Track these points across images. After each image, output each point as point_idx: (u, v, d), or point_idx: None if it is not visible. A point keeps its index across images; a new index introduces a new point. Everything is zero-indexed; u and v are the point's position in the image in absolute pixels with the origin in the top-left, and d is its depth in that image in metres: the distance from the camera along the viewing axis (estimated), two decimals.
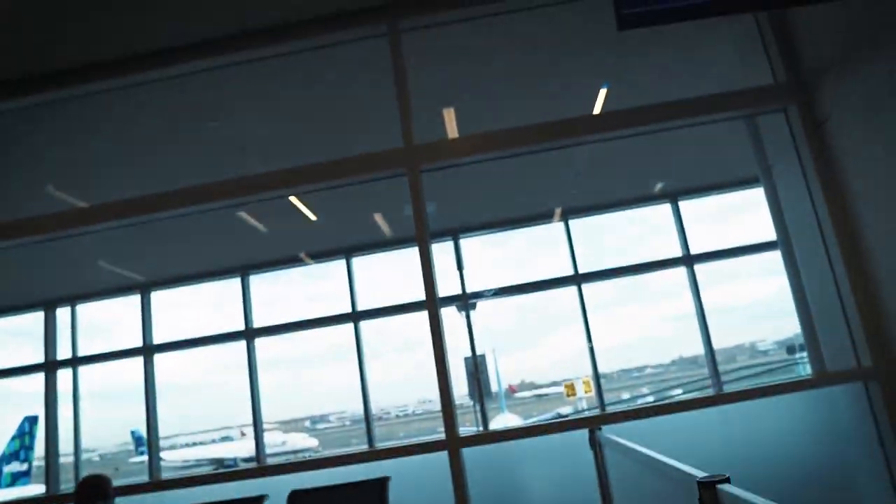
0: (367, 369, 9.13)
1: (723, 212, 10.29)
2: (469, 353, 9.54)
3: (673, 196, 9.22)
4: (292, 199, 7.15)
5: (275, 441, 22.85)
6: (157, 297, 9.68)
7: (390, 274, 9.94)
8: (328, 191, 4.46)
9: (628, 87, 5.95)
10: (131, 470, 18.94)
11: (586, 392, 15.01)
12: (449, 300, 8.89)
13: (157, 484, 4.11)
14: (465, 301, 9.12)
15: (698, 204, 9.58)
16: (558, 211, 9.40)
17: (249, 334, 9.17)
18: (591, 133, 4.32)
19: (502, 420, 17.35)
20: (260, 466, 4.26)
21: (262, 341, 9.27)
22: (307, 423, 27.29)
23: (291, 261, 9.76)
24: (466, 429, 9.53)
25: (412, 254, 4.10)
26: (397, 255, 9.82)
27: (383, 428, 25.42)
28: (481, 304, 9.44)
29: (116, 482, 3.69)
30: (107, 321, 11.01)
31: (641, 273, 9.14)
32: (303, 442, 23.59)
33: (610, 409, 10.26)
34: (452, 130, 5.80)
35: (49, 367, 9.58)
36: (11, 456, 13.86)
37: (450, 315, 9.39)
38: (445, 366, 3.90)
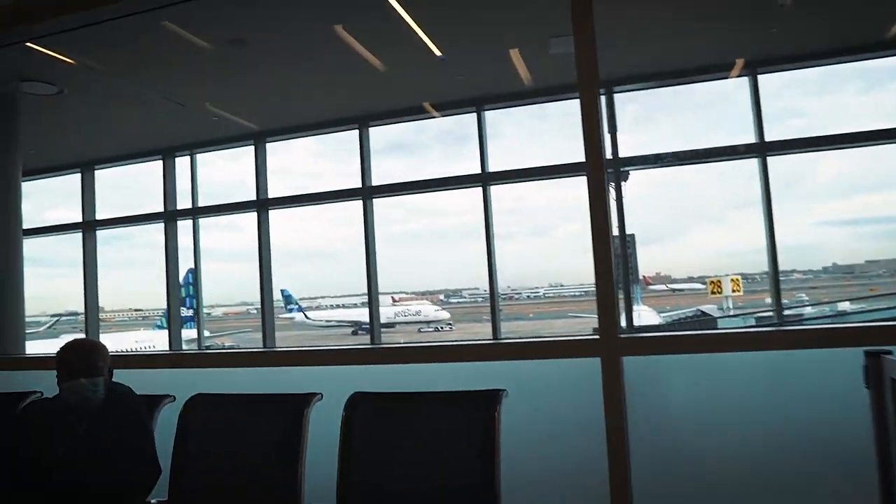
0: (494, 246, 7.76)
1: None
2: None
3: None
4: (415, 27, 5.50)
5: (410, 310, 22.89)
6: (271, 148, 8.62)
7: (528, 130, 8.20)
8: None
9: None
10: (283, 324, 19.54)
11: (734, 291, 13.25)
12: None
13: (175, 359, 2.95)
14: (618, 169, 7.16)
15: None
16: (740, 63, 6.97)
17: (366, 193, 7.91)
18: None
19: (636, 311, 15.65)
20: (336, 350, 3.00)
21: (399, 213, 8.18)
22: (441, 297, 27.23)
23: (414, 111, 8.11)
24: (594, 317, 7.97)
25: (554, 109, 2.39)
26: (536, 110, 7.94)
27: (514, 308, 24.93)
28: (635, 176, 7.43)
29: None
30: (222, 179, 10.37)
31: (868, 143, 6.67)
32: (436, 313, 23.50)
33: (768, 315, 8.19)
34: None
35: (168, 216, 8.97)
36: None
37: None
38: (608, 239, 2.29)
